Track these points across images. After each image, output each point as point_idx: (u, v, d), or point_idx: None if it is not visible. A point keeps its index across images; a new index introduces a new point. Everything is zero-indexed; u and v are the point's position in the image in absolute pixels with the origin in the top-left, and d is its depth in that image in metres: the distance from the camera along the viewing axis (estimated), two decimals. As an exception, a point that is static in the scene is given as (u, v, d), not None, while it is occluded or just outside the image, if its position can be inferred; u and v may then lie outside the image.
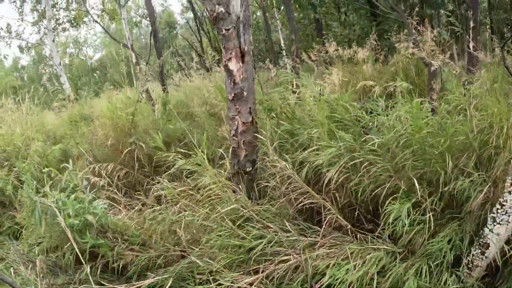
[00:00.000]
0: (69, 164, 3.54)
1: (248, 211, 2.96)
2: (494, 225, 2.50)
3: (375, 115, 3.34)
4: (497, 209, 2.49)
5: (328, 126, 3.05)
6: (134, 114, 5.40)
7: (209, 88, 7.33)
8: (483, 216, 2.76)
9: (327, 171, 2.92)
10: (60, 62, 14.98)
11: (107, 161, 5.55)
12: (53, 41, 14.90)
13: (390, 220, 2.63)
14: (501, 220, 2.46)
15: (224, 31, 3.34)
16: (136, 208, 3.71)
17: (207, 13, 3.49)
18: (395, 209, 2.62)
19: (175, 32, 23.36)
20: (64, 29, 16.38)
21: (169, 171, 3.53)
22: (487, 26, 16.08)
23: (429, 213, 2.73)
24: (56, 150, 5.78)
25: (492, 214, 2.52)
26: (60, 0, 16.01)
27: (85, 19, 16.52)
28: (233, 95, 3.39)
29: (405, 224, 2.60)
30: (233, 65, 3.34)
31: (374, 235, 2.86)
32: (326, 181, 2.95)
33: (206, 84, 7.88)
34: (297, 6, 11.51)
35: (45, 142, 6.15)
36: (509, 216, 2.44)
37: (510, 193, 2.42)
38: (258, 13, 15.88)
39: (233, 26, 3.34)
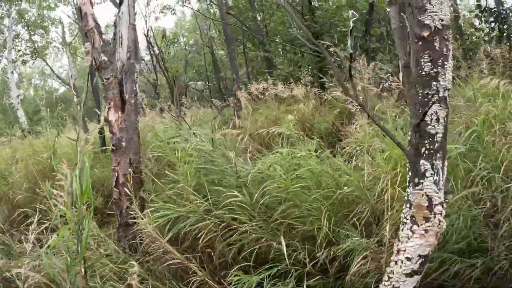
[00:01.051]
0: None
1: (113, 266, 2.79)
2: (382, 301, 2.04)
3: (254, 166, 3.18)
4: (385, 281, 2.03)
5: (197, 179, 2.94)
6: (51, 158, 5.26)
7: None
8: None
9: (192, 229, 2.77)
10: (17, 96, 14.76)
11: (26, 206, 5.40)
12: (12, 72, 14.73)
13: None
14: (389, 295, 2.01)
15: (104, 80, 3.28)
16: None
17: (94, 61, 3.42)
18: (240, 283, 2.41)
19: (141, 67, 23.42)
20: (24, 62, 16.22)
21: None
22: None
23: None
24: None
25: (381, 286, 2.08)
26: (22, 31, 15.92)
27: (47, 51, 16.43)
28: (112, 145, 3.30)
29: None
30: (112, 115, 3.27)
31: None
32: (193, 239, 2.80)
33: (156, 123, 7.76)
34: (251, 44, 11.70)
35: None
36: (396, 291, 1.97)
37: (397, 264, 1.96)
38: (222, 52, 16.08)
39: (113, 75, 3.28)
